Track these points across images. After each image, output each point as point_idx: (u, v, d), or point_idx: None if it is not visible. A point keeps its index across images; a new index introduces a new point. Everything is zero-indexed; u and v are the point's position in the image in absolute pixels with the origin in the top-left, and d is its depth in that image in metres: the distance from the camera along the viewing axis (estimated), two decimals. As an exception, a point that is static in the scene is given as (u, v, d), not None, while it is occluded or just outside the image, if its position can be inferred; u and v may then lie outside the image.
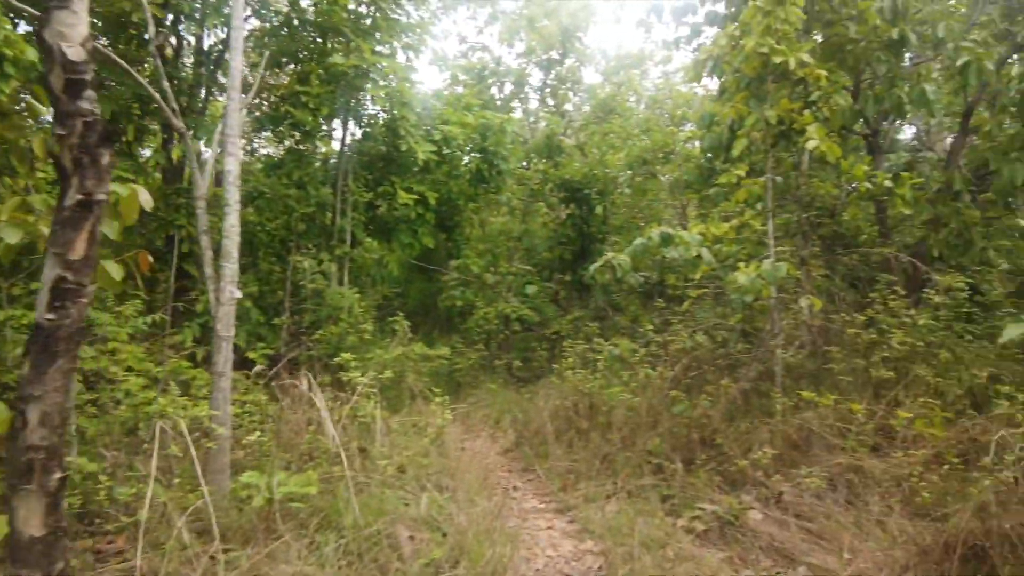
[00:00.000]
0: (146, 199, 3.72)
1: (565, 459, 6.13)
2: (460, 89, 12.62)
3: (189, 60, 9.02)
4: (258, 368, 5.57)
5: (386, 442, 5.84)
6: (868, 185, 6.79)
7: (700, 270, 6.08)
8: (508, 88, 15.13)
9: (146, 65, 8.77)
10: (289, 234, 8.87)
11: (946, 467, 4.43)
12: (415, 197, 8.55)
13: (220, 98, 9.76)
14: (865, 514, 4.45)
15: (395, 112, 8.40)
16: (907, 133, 14.89)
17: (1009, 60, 8.15)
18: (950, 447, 4.58)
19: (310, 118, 7.81)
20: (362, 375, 5.51)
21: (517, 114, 15.43)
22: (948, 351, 5.72)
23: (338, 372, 7.77)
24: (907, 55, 8.54)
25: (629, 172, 11.04)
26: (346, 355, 5.83)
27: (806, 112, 6.68)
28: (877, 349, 5.70)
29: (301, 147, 8.43)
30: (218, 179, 6.83)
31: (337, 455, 5.20)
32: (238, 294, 4.32)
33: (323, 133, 8.56)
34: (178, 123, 4.29)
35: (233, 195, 4.30)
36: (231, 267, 4.28)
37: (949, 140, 13.05)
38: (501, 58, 13.95)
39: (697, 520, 4.59)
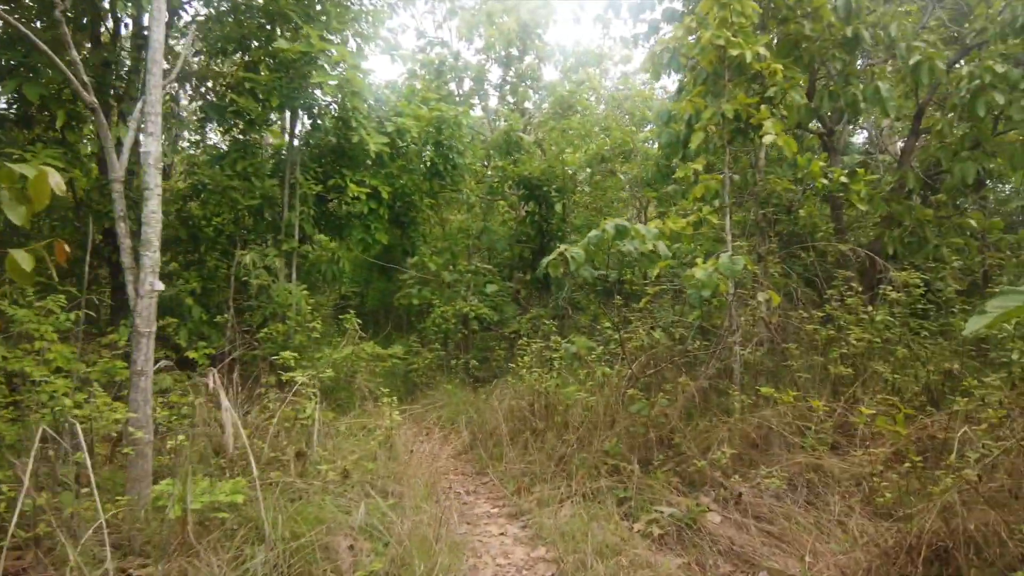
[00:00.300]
0: (57, 182, 3.30)
1: (520, 461, 5.84)
2: (418, 85, 12.27)
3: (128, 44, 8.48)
4: (163, 363, 5.12)
5: (329, 445, 5.46)
6: (824, 181, 6.68)
7: (657, 265, 5.85)
8: (467, 84, 14.85)
9: (82, 49, 8.25)
10: (236, 228, 8.41)
11: (906, 465, 4.27)
12: (367, 191, 8.16)
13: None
14: (826, 515, 4.26)
15: (347, 102, 8.01)
16: (860, 138, 15.09)
17: (958, 64, 8.19)
18: (910, 445, 4.42)
19: (255, 106, 7.37)
20: (304, 375, 5.12)
21: (477, 112, 15.15)
22: (905, 348, 5.61)
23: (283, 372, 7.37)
24: (860, 59, 8.54)
25: (588, 170, 10.81)
26: (286, 354, 5.44)
27: (763, 107, 6.54)
28: (835, 346, 5.55)
29: (246, 137, 7.97)
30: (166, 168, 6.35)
31: (273, 460, 4.82)
32: (160, 286, 3.92)
33: (270, 123, 8.10)
34: (89, 97, 3.86)
35: (154, 178, 3.89)
36: (151, 256, 3.88)
37: (900, 144, 13.23)
38: (459, 52, 13.63)
39: (654, 524, 4.34)
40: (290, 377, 5.12)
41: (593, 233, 4.76)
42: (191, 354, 7.02)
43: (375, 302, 13.90)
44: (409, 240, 10.03)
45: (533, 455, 5.78)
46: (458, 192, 11.93)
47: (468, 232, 11.69)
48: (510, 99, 15.33)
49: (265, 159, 8.34)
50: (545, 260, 4.84)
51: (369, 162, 8.64)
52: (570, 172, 10.77)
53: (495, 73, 14.40)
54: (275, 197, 8.00)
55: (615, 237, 4.71)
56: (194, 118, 8.70)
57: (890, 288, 5.84)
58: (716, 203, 7.03)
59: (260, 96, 7.80)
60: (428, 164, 8.99)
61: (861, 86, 7.40)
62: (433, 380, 9.52)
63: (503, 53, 13.45)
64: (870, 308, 5.77)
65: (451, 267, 11.21)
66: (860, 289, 6.03)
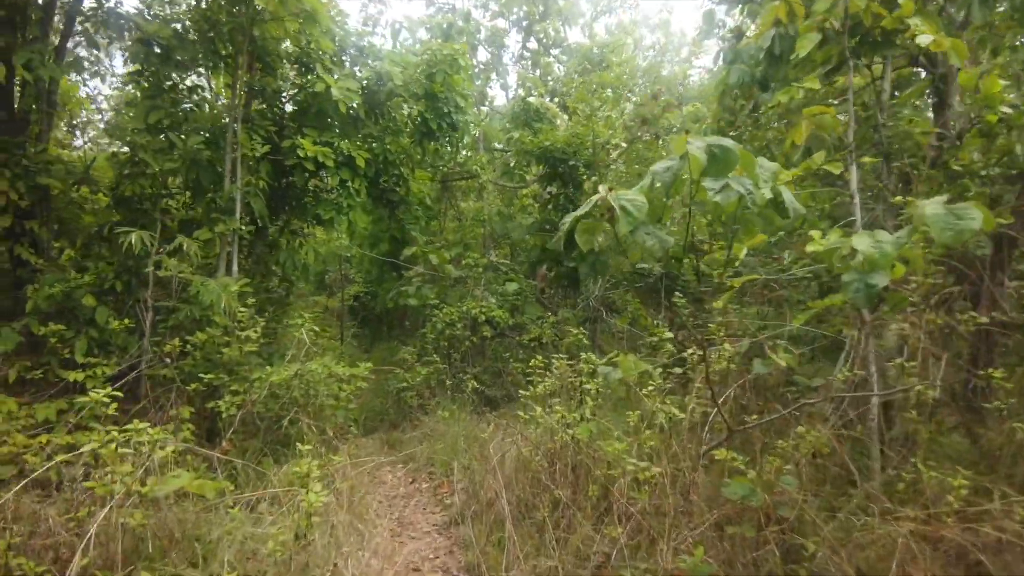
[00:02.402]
0: None
1: (531, 559, 3.41)
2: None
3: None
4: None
5: (210, 541, 3.11)
6: (1006, 111, 4.14)
7: (754, 239, 3.36)
8: (483, 56, 12.51)
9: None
10: (182, 209, 6.23)
11: None
12: (329, 153, 5.80)
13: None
14: None
15: (307, 37, 5.70)
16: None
17: None
18: None
19: (166, 33, 5.09)
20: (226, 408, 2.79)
21: (495, 91, 12.78)
22: None
23: (206, 400, 5.08)
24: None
25: (622, 141, 8.31)
26: (74, 373, 3.15)
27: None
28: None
29: (160, 77, 5.65)
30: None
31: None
32: None
33: (187, 58, 5.65)
34: None
35: None
36: None
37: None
38: (470, 12, 11.22)
39: None
40: (93, 441, 2.77)
41: (662, 165, 2.33)
42: (73, 375, 4.77)
43: (386, 305, 11.61)
44: (398, 224, 7.64)
45: (552, 551, 3.35)
46: (470, 176, 9.58)
47: (480, 218, 9.30)
48: (533, 74, 12.93)
49: (195, 111, 6.04)
50: (570, 218, 2.43)
51: (340, 120, 6.30)
52: (600, 141, 8.29)
53: (514, 41, 12.03)
54: (210, 162, 5.72)
55: (709, 170, 2.26)
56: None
57: None
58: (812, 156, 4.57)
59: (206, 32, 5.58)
60: (417, 121, 6.59)
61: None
62: (430, 402, 7.17)
63: (522, 14, 11.02)
64: None
65: (460, 261, 8.92)
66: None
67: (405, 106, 6.38)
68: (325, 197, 6.37)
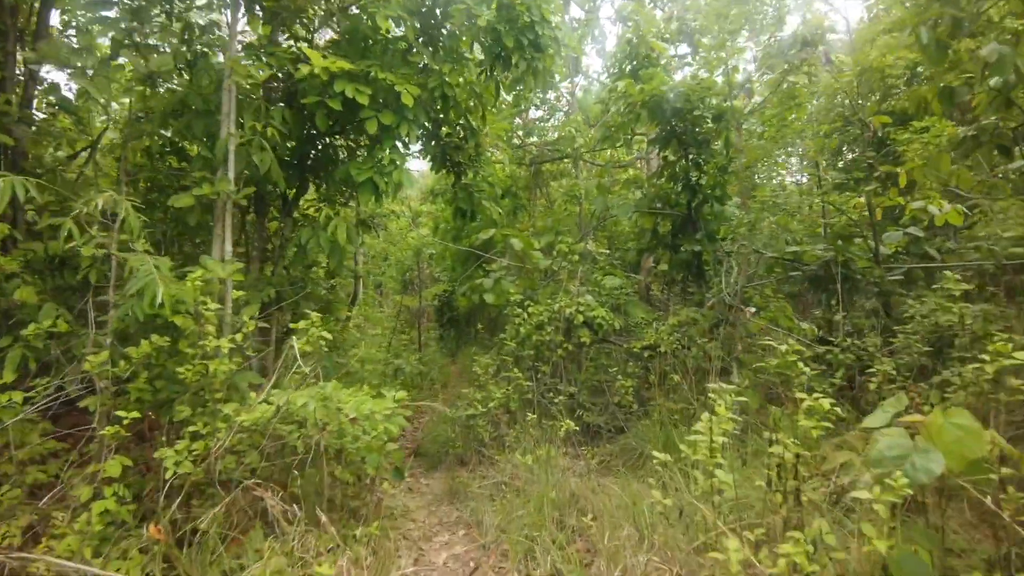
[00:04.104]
0: None
1: None
2: None
3: None
4: None
5: None
6: None
7: None
8: (577, 13, 10.36)
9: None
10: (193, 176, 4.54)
11: None
12: (345, 65, 3.81)
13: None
14: None
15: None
16: None
17: None
18: None
19: None
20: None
21: (592, 60, 10.57)
22: None
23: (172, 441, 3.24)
24: None
25: (768, 72, 5.86)
26: None
27: None
28: None
29: None
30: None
31: None
32: None
33: None
34: None
35: None
36: None
37: None
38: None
39: None
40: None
41: None
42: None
43: (467, 303, 9.70)
44: (465, 194, 5.57)
45: None
46: (562, 156, 7.42)
47: (574, 194, 7.13)
48: (633, 38, 10.62)
49: (212, 56, 4.28)
50: None
51: (381, 46, 4.36)
52: (740, 81, 5.89)
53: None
54: (208, 109, 3.94)
55: None
56: None
57: None
58: None
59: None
60: (486, 42, 4.48)
61: None
62: (509, 432, 5.08)
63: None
64: None
65: (552, 251, 6.84)
66: None
67: (470, 24, 4.30)
68: (361, 152, 4.44)
